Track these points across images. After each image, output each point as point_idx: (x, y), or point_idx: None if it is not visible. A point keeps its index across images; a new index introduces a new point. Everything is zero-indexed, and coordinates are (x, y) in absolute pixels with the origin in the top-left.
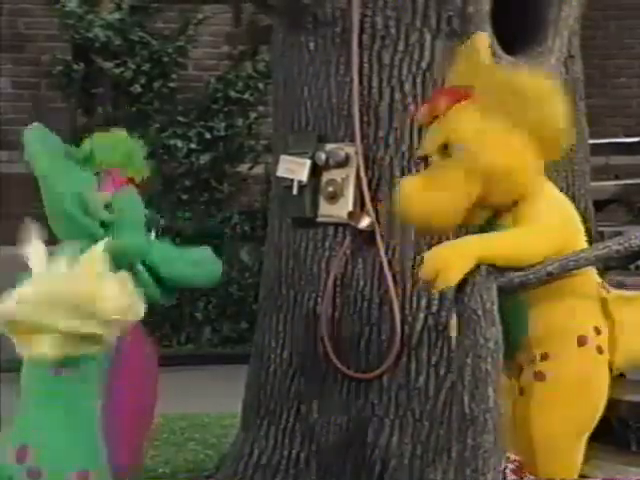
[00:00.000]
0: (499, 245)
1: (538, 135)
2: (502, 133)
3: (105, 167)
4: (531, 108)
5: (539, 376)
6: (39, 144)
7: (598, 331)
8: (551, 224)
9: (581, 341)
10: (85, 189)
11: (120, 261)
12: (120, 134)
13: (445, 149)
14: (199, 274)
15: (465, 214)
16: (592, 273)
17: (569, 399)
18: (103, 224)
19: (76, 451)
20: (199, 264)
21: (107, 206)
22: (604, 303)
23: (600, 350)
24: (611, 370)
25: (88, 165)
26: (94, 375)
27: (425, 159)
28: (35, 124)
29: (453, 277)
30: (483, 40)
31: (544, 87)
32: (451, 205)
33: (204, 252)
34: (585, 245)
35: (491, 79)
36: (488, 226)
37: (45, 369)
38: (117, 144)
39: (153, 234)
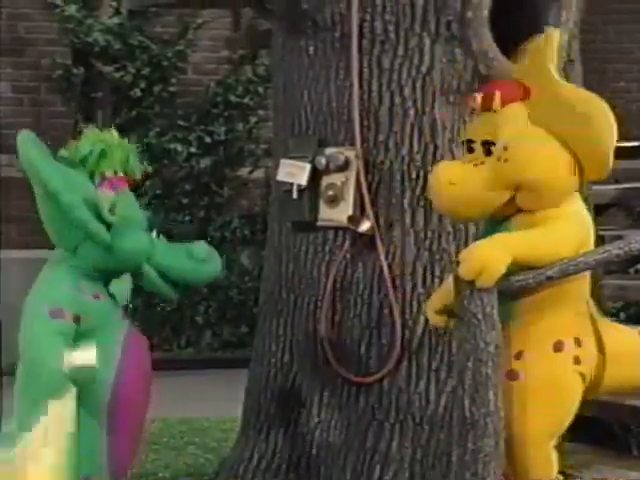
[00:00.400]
0: (532, 245)
1: (585, 153)
2: (546, 145)
3: (102, 170)
4: (581, 124)
5: (512, 375)
6: (34, 150)
7: (579, 343)
8: (572, 228)
9: (557, 346)
10: (89, 193)
11: (127, 263)
12: (111, 135)
13: (487, 144)
14: (202, 270)
15: (492, 211)
16: (585, 291)
17: (539, 400)
18: (108, 227)
19: (79, 459)
20: (201, 260)
21: (110, 209)
22: (594, 323)
23: (577, 361)
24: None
25: (82, 168)
26: (99, 384)
27: (468, 143)
28: (24, 130)
29: (495, 274)
30: (553, 39)
31: (597, 106)
32: (479, 204)
33: (206, 248)
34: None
35: (547, 83)
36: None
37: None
38: (111, 146)
39: (154, 234)
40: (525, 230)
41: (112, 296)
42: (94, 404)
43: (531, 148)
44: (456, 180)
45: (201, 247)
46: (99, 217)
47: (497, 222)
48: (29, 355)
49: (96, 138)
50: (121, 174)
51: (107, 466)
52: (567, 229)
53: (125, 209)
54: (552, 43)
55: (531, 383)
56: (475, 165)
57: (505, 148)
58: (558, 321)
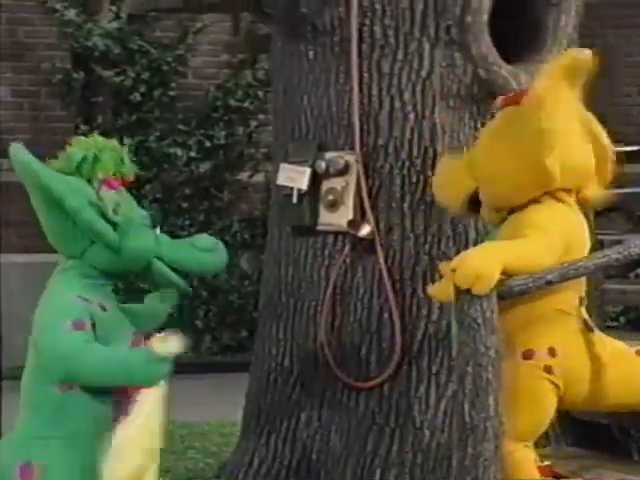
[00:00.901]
0: (519, 254)
1: (528, 159)
2: (505, 143)
3: (98, 174)
4: (522, 131)
5: None
6: (31, 159)
7: (553, 353)
8: (555, 237)
9: (526, 355)
10: (92, 196)
11: (135, 263)
12: (98, 139)
13: None
14: (208, 260)
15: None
16: (571, 305)
17: (509, 407)
18: (114, 228)
19: (83, 469)
20: (207, 250)
21: (114, 209)
22: (586, 339)
23: (548, 370)
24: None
25: (79, 174)
26: (103, 394)
27: None
28: (16, 143)
29: (490, 282)
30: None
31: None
32: (451, 189)
33: (210, 239)
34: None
35: (551, 100)
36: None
37: (50, 386)
38: (103, 150)
39: (158, 230)
40: (512, 240)
41: (120, 306)
42: (98, 412)
43: (491, 143)
44: (443, 168)
45: (205, 238)
46: (104, 218)
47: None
48: (74, 370)
49: (86, 144)
50: (117, 176)
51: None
52: (551, 238)
53: (127, 210)
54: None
55: (502, 386)
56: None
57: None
58: (531, 332)
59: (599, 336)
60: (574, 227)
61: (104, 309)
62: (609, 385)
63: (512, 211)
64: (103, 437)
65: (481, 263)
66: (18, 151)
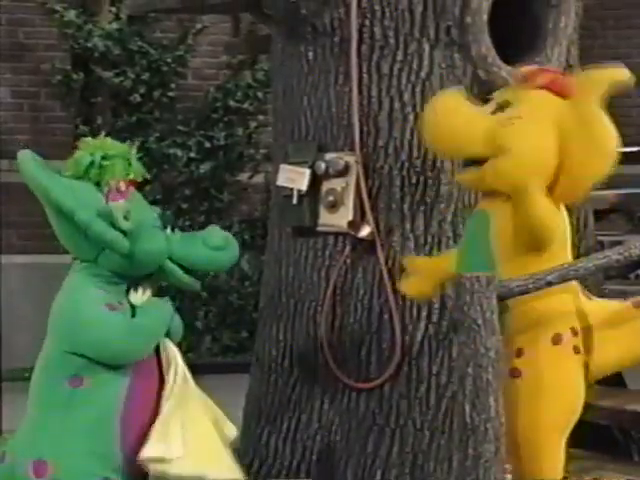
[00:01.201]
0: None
1: (568, 179)
2: (545, 142)
3: (107, 179)
4: (587, 149)
5: (515, 372)
6: (38, 169)
7: (575, 332)
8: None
9: (555, 339)
10: (101, 204)
11: (148, 265)
12: (106, 141)
13: (504, 105)
14: (220, 258)
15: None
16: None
17: (545, 395)
18: (124, 234)
19: (96, 462)
20: (219, 248)
21: (125, 216)
22: (582, 308)
23: (577, 350)
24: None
25: (87, 178)
26: (114, 388)
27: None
28: (23, 150)
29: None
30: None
31: (610, 140)
32: (462, 140)
33: (222, 236)
34: (568, 253)
35: (587, 99)
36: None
37: (61, 381)
38: (111, 153)
39: (169, 230)
40: None
41: (131, 305)
42: (109, 407)
43: (534, 130)
44: (459, 108)
45: (217, 235)
46: (114, 227)
47: (476, 214)
48: (126, 350)
49: (93, 147)
50: (126, 179)
51: (125, 470)
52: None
53: (138, 213)
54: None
55: (534, 379)
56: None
57: (519, 117)
58: (553, 315)
59: (597, 301)
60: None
61: (113, 308)
62: (627, 342)
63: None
64: (114, 430)
65: None
66: (25, 163)
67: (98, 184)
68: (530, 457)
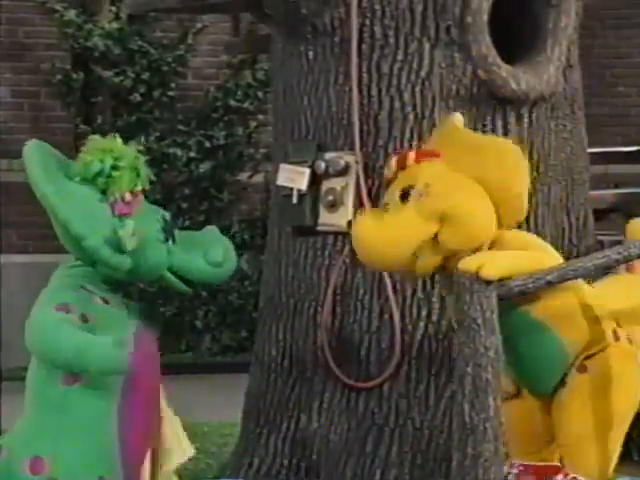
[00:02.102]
0: (520, 264)
1: (498, 198)
2: (466, 180)
3: (114, 189)
4: (490, 167)
5: (581, 369)
6: (41, 169)
7: (619, 324)
8: (547, 255)
9: (615, 335)
10: (106, 219)
11: (148, 277)
12: (116, 144)
13: (404, 196)
14: (218, 273)
15: (415, 258)
16: None
17: (611, 391)
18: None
19: (92, 459)
20: (218, 266)
21: (132, 234)
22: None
23: (630, 340)
24: None
25: (94, 184)
26: (108, 385)
27: (385, 207)
28: (33, 141)
29: (497, 267)
30: (458, 121)
31: (506, 149)
32: (405, 241)
33: (222, 251)
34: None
35: (458, 139)
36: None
37: (55, 380)
38: (121, 161)
39: (170, 241)
40: (514, 252)
41: (124, 297)
42: (104, 404)
43: (452, 181)
44: (378, 225)
45: (218, 251)
46: (119, 248)
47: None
48: (41, 347)
49: (102, 152)
50: (134, 191)
51: (121, 468)
52: (544, 255)
53: (143, 225)
54: (458, 122)
55: (601, 375)
56: (393, 211)
57: (426, 185)
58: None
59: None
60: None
61: (106, 302)
62: None
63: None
64: (109, 428)
65: (488, 254)
66: (30, 163)
67: (104, 191)
68: (588, 452)
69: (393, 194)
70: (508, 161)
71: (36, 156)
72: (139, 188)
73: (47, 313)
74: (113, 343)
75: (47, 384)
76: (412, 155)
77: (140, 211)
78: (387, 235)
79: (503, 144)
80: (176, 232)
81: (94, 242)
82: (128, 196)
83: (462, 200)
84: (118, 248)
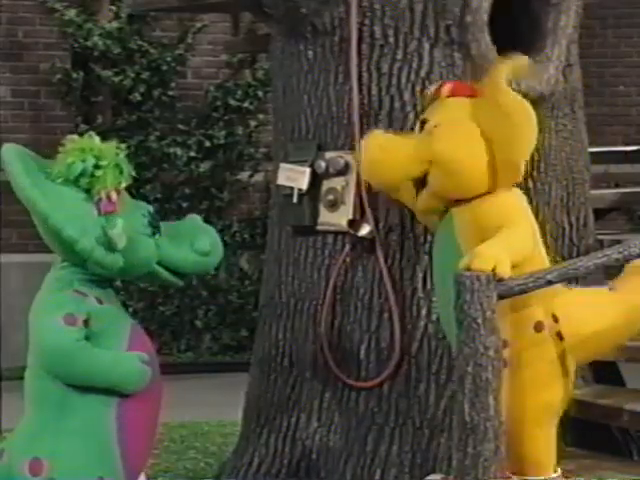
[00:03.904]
0: (513, 247)
1: (500, 158)
2: (469, 134)
3: (98, 188)
4: (498, 125)
5: (503, 363)
6: (24, 172)
7: (556, 319)
8: (526, 222)
9: (538, 327)
10: (93, 219)
11: (137, 272)
12: (95, 144)
13: (424, 123)
14: (205, 262)
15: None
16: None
17: (532, 382)
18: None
19: (91, 460)
20: (205, 254)
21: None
22: (564, 296)
23: (560, 336)
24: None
25: (77, 185)
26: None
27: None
28: (10, 145)
29: (508, 265)
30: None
31: (517, 110)
32: (400, 169)
33: (210, 241)
34: (538, 239)
35: (492, 89)
36: (444, 216)
37: (53, 380)
38: (102, 160)
39: (157, 235)
40: (497, 235)
41: (116, 292)
42: (102, 403)
43: (458, 128)
44: (385, 145)
45: (204, 240)
46: (110, 247)
47: (442, 222)
48: (62, 367)
49: (83, 152)
50: (118, 188)
51: (121, 467)
52: (525, 228)
53: (130, 222)
54: (511, 69)
55: (521, 368)
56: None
57: (435, 125)
58: (533, 299)
59: (577, 289)
60: (528, 211)
61: (100, 302)
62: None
63: (456, 203)
64: (108, 428)
65: (494, 250)
66: (11, 166)
67: (88, 191)
68: (514, 448)
69: (422, 117)
70: (515, 123)
71: (16, 159)
72: (123, 185)
73: (60, 331)
74: (138, 358)
75: (43, 385)
76: (447, 89)
77: (125, 207)
78: (385, 156)
79: (518, 104)
80: (161, 225)
81: (87, 245)
82: (114, 194)
83: (456, 150)
84: (109, 247)
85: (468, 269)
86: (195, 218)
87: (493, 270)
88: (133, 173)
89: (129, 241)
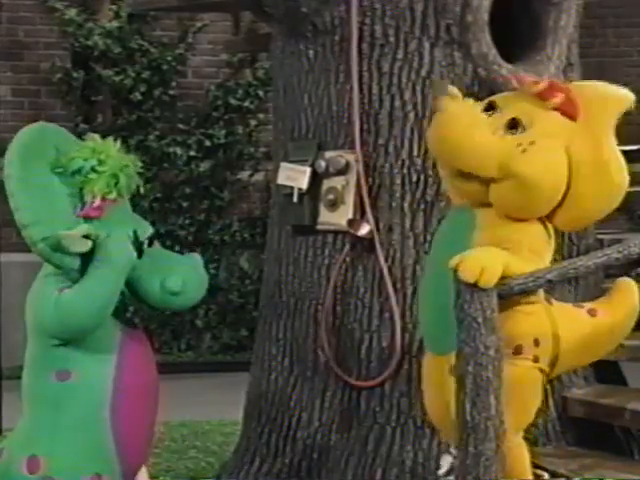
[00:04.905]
0: (512, 264)
1: (568, 209)
2: (556, 171)
3: (90, 189)
4: (598, 183)
5: None
6: (18, 154)
7: (537, 343)
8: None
9: (517, 350)
10: (65, 225)
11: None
12: (108, 148)
13: (513, 125)
14: (169, 301)
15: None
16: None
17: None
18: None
19: (88, 457)
20: (173, 293)
21: (87, 235)
22: (549, 314)
23: (536, 359)
24: (548, 375)
25: (72, 180)
26: (100, 379)
27: (491, 104)
28: (35, 125)
29: (495, 274)
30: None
31: (623, 185)
32: (469, 156)
33: (182, 280)
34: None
35: (596, 131)
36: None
37: (48, 376)
38: (103, 169)
39: (144, 246)
40: (503, 249)
41: None
42: (97, 399)
43: (549, 157)
44: (471, 121)
45: (177, 279)
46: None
47: (461, 210)
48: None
49: (91, 152)
50: (106, 197)
51: (118, 464)
52: (530, 266)
53: (108, 231)
54: (620, 106)
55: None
56: (495, 132)
57: (532, 143)
58: (515, 329)
59: (558, 306)
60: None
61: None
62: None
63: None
64: (103, 423)
65: (484, 257)
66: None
67: (81, 190)
68: None
69: (509, 105)
70: (614, 194)
71: (29, 139)
72: (112, 196)
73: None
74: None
75: (41, 382)
76: (556, 100)
77: (113, 219)
78: (467, 133)
79: (624, 177)
80: (145, 249)
81: (34, 238)
82: (97, 201)
83: (544, 178)
84: (62, 249)
85: (455, 270)
86: (192, 257)
87: (473, 285)
88: (141, 188)
89: (100, 245)
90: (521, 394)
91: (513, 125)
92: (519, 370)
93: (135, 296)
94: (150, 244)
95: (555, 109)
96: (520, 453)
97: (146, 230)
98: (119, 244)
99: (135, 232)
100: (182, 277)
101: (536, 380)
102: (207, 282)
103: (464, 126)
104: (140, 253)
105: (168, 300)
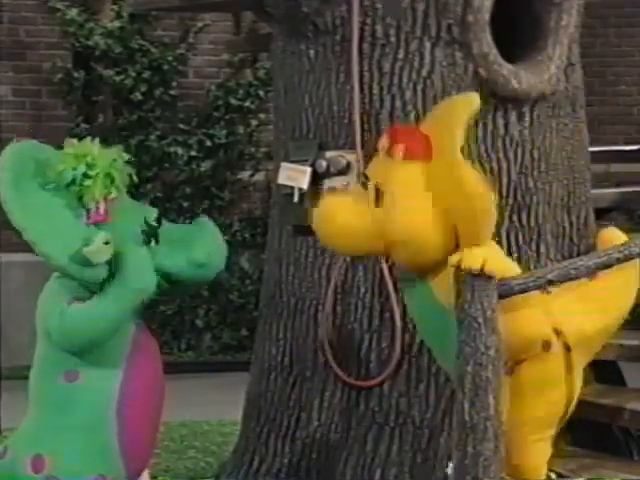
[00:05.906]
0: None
1: (462, 228)
2: (427, 201)
3: (89, 197)
4: (464, 204)
5: (509, 371)
6: (11, 178)
7: (558, 332)
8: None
9: (545, 347)
10: (79, 239)
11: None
12: (91, 150)
13: (378, 190)
14: (200, 274)
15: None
16: None
17: (527, 394)
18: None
19: (92, 458)
20: (200, 266)
21: (106, 242)
22: (549, 303)
23: (568, 347)
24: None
25: (69, 192)
26: (108, 381)
27: (365, 179)
28: (13, 145)
29: (499, 264)
30: (471, 106)
31: (481, 194)
32: (359, 245)
33: (207, 252)
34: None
35: (449, 158)
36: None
37: (56, 377)
38: (93, 173)
39: (153, 243)
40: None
41: None
42: (104, 401)
43: (411, 207)
44: (340, 219)
45: (201, 251)
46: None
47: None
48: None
49: (77, 158)
50: (108, 198)
51: (122, 465)
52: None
53: (120, 232)
54: (469, 109)
55: (525, 380)
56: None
57: (392, 202)
58: (534, 318)
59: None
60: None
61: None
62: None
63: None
64: (109, 424)
65: (484, 250)
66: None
67: (81, 198)
68: (513, 453)
69: (372, 174)
70: (477, 207)
71: (10, 167)
72: (113, 195)
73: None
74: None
75: (49, 382)
76: (401, 152)
77: (120, 215)
78: (346, 235)
79: (478, 185)
80: (160, 231)
81: (61, 262)
82: (102, 205)
83: (412, 228)
84: (86, 262)
85: (457, 267)
86: (201, 222)
87: (482, 268)
88: (134, 177)
89: (118, 251)
90: (550, 389)
91: (378, 194)
92: (553, 365)
93: (165, 279)
94: (159, 223)
95: (405, 159)
96: (544, 447)
97: (152, 213)
98: (139, 266)
99: (146, 220)
100: (205, 248)
101: (575, 370)
102: (226, 246)
103: (341, 221)
104: (157, 237)
105: (197, 273)
